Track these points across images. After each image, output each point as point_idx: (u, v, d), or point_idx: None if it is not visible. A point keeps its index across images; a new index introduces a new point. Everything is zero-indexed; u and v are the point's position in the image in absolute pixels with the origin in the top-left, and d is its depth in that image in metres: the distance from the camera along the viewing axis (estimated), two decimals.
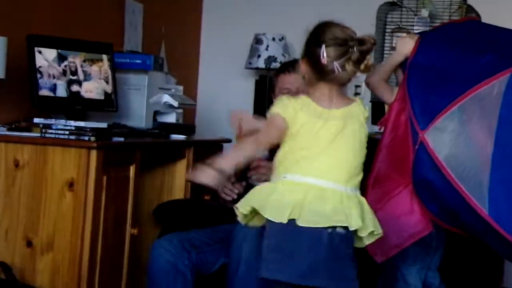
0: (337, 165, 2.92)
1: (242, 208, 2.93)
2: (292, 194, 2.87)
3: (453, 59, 3.19)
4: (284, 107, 2.95)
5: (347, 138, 2.95)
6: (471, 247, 3.55)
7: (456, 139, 3.03)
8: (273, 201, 2.87)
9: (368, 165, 3.21)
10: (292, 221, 2.83)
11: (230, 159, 3.04)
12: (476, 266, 4.49)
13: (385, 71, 3.29)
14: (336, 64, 2.89)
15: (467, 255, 3.87)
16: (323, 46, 2.90)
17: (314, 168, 2.91)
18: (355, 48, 2.90)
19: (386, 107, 3.33)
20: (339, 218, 2.85)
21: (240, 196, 3.32)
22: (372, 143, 4.07)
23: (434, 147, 3.02)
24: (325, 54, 2.90)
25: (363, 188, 3.20)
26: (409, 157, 3.12)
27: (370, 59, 2.94)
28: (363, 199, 2.95)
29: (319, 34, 2.96)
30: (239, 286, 3.34)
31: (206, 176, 2.96)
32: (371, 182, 3.21)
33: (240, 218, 2.96)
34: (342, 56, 2.90)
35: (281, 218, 2.84)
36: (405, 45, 3.27)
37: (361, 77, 3.13)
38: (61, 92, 3.95)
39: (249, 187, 3.10)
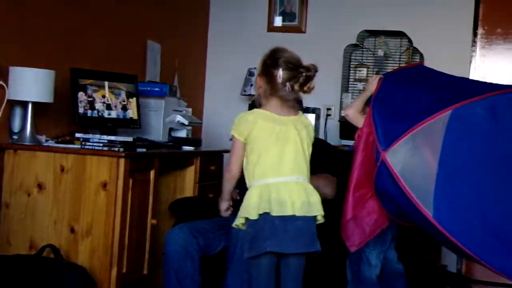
0: (287, 161, 2.96)
1: (237, 222, 3.00)
2: (255, 196, 2.92)
3: (407, 97, 3.20)
4: (237, 130, 3.02)
5: (295, 138, 2.99)
6: (418, 234, 3.57)
7: (409, 159, 3.02)
8: (245, 206, 2.94)
9: (345, 176, 3.27)
10: (262, 215, 2.89)
11: (222, 200, 3.22)
12: (421, 248, 4.53)
13: (359, 105, 3.26)
14: (288, 84, 2.94)
15: (415, 240, 3.89)
16: (280, 69, 2.94)
17: (268, 170, 2.94)
18: (303, 73, 2.94)
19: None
20: (296, 208, 2.91)
21: (235, 201, 3.35)
22: (340, 154, 4.12)
23: (392, 164, 3.01)
24: (280, 76, 2.94)
25: (343, 194, 3.29)
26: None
27: (312, 83, 2.98)
28: (308, 185, 2.99)
29: (276, 58, 2.98)
30: (236, 263, 3.32)
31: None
32: (351, 189, 3.19)
33: (240, 226, 3.02)
34: (293, 79, 2.94)
35: (253, 216, 2.91)
36: (371, 85, 3.27)
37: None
38: (96, 113, 3.95)
39: (242, 192, 3.12)
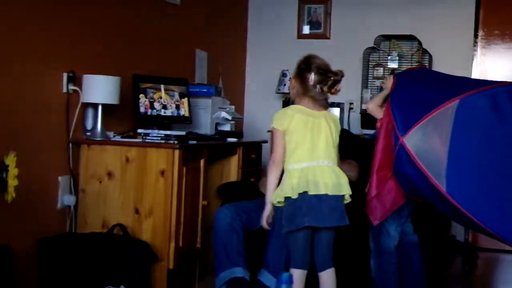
0: (320, 148, 2.98)
1: (274, 201, 3.01)
2: (295, 178, 2.92)
3: (419, 91, 3.19)
4: (278, 122, 3.01)
5: (326, 129, 3.01)
6: (430, 210, 3.55)
7: (424, 142, 3.01)
8: (286, 186, 2.95)
9: (367, 161, 3.28)
10: (300, 194, 2.90)
11: (269, 193, 3.06)
12: (433, 221, 4.49)
13: (378, 100, 3.26)
14: (318, 87, 2.97)
15: (428, 215, 3.86)
16: (312, 73, 2.97)
17: (304, 156, 2.96)
18: (331, 78, 2.97)
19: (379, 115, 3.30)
20: (329, 188, 2.92)
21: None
22: (362, 142, 4.10)
23: (410, 147, 3.01)
24: (312, 79, 2.97)
25: (365, 177, 3.29)
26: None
27: (339, 86, 3.00)
28: (337, 168, 3.01)
29: (309, 63, 3.01)
30: (275, 237, 3.33)
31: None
32: (375, 169, 3.17)
33: (279, 204, 3.02)
34: (322, 82, 2.97)
35: (294, 195, 2.92)
36: (387, 83, 3.26)
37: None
38: (155, 112, 3.98)
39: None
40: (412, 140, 3.01)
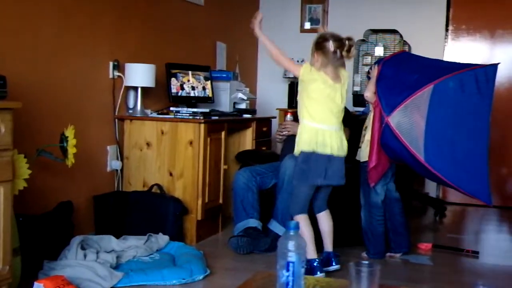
0: (332, 115, 2.88)
1: (296, 152, 2.92)
2: (309, 135, 2.84)
3: (400, 76, 3.15)
4: (309, 67, 2.85)
5: (339, 101, 2.89)
6: (408, 172, 3.56)
7: (405, 121, 3.00)
8: (301, 140, 2.87)
9: (355, 128, 3.28)
10: (312, 153, 2.84)
11: (265, 40, 2.96)
12: (411, 181, 4.51)
13: (372, 87, 3.18)
14: (338, 51, 2.81)
15: (407, 176, 3.87)
16: (330, 41, 2.81)
17: (319, 119, 2.85)
18: (346, 42, 2.82)
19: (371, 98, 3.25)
20: (334, 149, 2.86)
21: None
22: (353, 116, 4.07)
23: (393, 125, 3.00)
24: (332, 45, 2.81)
25: (357, 141, 3.29)
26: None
27: (354, 50, 2.84)
28: (342, 133, 2.92)
29: (324, 35, 2.86)
30: (283, 194, 3.34)
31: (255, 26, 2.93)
32: (375, 144, 3.13)
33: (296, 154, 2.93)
34: (341, 47, 2.81)
35: (305, 149, 2.83)
36: (373, 72, 3.22)
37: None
38: (184, 93, 3.98)
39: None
40: (395, 119, 3.00)
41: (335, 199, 3.14)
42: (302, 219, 2.91)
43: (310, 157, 2.87)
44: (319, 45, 2.84)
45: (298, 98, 2.93)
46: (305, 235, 2.82)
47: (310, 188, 2.95)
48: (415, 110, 3.00)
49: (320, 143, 2.85)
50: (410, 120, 3.00)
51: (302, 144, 2.87)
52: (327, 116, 2.87)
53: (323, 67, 2.85)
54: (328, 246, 3.04)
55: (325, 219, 3.05)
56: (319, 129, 2.86)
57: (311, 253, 2.91)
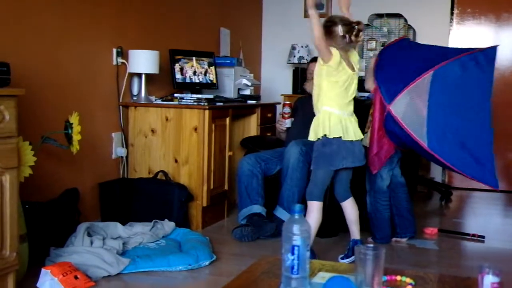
0: (348, 103, 2.84)
1: (312, 138, 2.86)
2: (334, 122, 2.80)
3: (399, 63, 3.14)
4: (338, 55, 2.76)
5: (354, 89, 2.86)
6: (414, 157, 3.55)
7: (407, 108, 3.00)
8: (323, 126, 2.81)
9: (364, 114, 3.22)
10: (336, 138, 2.78)
11: (316, 21, 2.69)
12: (416, 166, 4.50)
13: (371, 75, 3.19)
14: (347, 36, 2.75)
15: (412, 162, 3.87)
16: (339, 25, 2.75)
17: (338, 105, 2.81)
18: (355, 27, 2.76)
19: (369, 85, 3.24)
20: (357, 135, 2.84)
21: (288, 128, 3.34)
22: (358, 101, 4.07)
23: (395, 113, 3.00)
24: (341, 30, 2.75)
25: (362, 126, 3.17)
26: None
27: (362, 35, 2.79)
28: (356, 118, 2.88)
29: (333, 19, 2.80)
30: (288, 179, 3.34)
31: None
32: (375, 130, 3.14)
33: (312, 139, 2.88)
34: (350, 31, 2.75)
35: (331, 135, 2.78)
36: (372, 60, 3.21)
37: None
38: (188, 79, 3.98)
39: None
40: (397, 107, 3.00)
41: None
42: (319, 207, 2.87)
43: (335, 142, 2.81)
44: (328, 30, 2.76)
45: (316, 84, 2.85)
46: (312, 222, 2.79)
47: (329, 173, 2.89)
48: (416, 97, 3.00)
49: (345, 129, 2.82)
50: (411, 107, 3.00)
51: (327, 130, 2.80)
52: (345, 103, 2.84)
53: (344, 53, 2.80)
54: (355, 234, 3.00)
55: (350, 207, 2.99)
56: (341, 115, 2.82)
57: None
